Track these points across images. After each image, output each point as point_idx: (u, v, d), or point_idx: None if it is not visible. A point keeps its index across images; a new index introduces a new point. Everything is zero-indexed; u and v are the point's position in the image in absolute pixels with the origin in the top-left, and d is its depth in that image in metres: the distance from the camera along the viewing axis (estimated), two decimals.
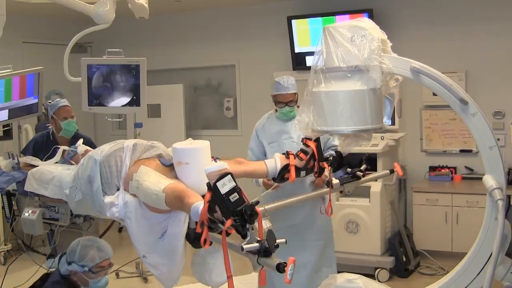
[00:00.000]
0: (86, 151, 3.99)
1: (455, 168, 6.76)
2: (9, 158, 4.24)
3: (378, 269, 5.94)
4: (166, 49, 8.59)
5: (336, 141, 4.32)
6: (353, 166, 3.86)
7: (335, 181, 3.62)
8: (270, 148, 4.10)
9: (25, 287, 4.92)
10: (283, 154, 3.47)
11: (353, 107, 2.95)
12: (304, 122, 3.12)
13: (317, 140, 3.42)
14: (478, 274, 3.04)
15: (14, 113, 4.65)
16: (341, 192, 3.75)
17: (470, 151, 6.66)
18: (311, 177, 3.94)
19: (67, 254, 3.39)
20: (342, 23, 3.08)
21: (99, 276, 3.37)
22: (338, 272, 5.34)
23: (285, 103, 4.37)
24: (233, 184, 2.42)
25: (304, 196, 3.78)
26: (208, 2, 7.77)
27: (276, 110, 4.46)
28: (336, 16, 7.00)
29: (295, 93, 4.44)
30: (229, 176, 2.42)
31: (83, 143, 4.29)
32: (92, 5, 4.60)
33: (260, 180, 4.16)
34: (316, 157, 3.44)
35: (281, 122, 4.26)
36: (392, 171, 4.04)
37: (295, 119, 3.23)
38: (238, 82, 8.30)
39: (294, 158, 3.43)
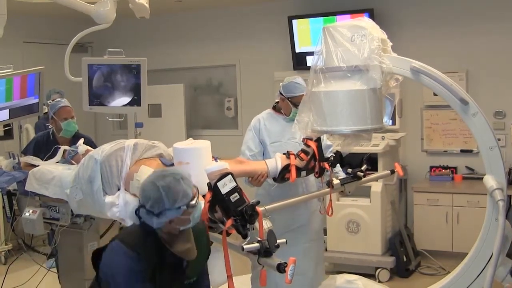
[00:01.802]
0: (87, 151, 4.00)
1: (455, 168, 6.75)
2: (10, 157, 4.25)
3: (379, 269, 5.93)
4: (167, 49, 8.59)
5: (328, 141, 4.31)
6: (353, 166, 3.86)
7: (335, 181, 3.62)
8: (272, 148, 4.09)
9: (26, 287, 4.94)
10: (284, 154, 3.47)
11: (353, 107, 2.95)
12: (303, 122, 3.12)
13: (318, 140, 3.42)
14: (478, 275, 3.04)
15: (15, 112, 4.66)
16: (341, 192, 3.75)
17: (470, 151, 6.65)
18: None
19: (148, 207, 2.43)
20: (342, 22, 3.08)
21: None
22: (338, 272, 5.36)
23: None
24: (233, 184, 2.42)
25: (305, 196, 3.78)
26: (209, 1, 7.76)
27: (276, 110, 4.41)
28: (337, 16, 6.99)
29: None
30: (230, 176, 2.42)
31: (83, 143, 4.30)
32: (93, 5, 4.60)
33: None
34: (317, 157, 3.44)
35: (284, 122, 4.26)
36: (392, 171, 4.04)
37: (295, 119, 3.22)
38: (239, 82, 8.30)
39: (295, 158, 3.43)
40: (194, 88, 8.78)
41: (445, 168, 6.75)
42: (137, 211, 2.42)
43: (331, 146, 4.33)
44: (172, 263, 2.44)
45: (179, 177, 2.40)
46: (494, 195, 2.93)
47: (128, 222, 3.25)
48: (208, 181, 2.57)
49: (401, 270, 6.02)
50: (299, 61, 7.41)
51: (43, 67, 4.78)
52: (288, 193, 3.75)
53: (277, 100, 4.39)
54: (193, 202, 2.38)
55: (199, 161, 3.03)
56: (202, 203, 2.52)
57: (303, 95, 4.22)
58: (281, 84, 4.30)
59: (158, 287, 2.38)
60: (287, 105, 4.20)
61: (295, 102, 4.14)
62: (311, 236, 4.31)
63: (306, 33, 7.35)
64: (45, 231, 4.15)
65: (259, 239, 2.43)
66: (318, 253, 4.46)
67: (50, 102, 5.79)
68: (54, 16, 8.06)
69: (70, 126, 4.71)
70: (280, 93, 4.27)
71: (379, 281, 5.80)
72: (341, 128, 3.01)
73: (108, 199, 3.29)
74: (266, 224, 2.62)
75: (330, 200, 3.60)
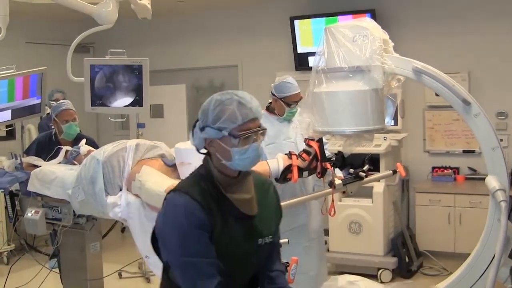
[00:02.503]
0: (89, 152, 4.00)
1: (458, 168, 6.75)
2: (12, 158, 4.26)
3: (381, 270, 5.93)
4: (169, 49, 8.59)
5: (324, 139, 4.31)
6: (355, 167, 3.85)
7: (337, 181, 3.62)
8: (268, 150, 4.09)
9: (28, 287, 4.95)
10: (286, 154, 3.47)
11: (354, 107, 2.95)
12: (305, 123, 3.12)
13: (320, 141, 3.42)
14: (481, 276, 3.04)
15: (17, 113, 4.66)
16: (343, 192, 3.74)
17: (473, 151, 6.64)
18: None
19: (201, 119, 2.26)
20: (344, 23, 3.08)
21: (245, 144, 2.15)
22: (340, 273, 5.36)
23: (296, 102, 4.32)
24: None
25: (307, 196, 3.78)
26: (211, 2, 7.77)
27: (269, 111, 4.39)
28: (339, 16, 6.99)
29: None
30: None
31: (85, 144, 4.31)
32: (95, 6, 4.61)
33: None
34: (319, 158, 3.44)
35: (278, 123, 4.25)
36: (394, 172, 4.03)
37: (297, 119, 3.22)
38: (241, 83, 8.30)
39: (297, 158, 3.43)
40: (196, 89, 8.78)
41: (447, 168, 6.75)
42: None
43: (325, 144, 4.32)
44: (239, 217, 2.18)
45: (236, 98, 2.20)
46: (496, 196, 2.93)
47: (130, 223, 3.26)
48: None
49: (403, 271, 6.01)
50: (301, 62, 7.42)
51: (45, 67, 4.78)
52: (287, 193, 3.74)
53: (270, 101, 4.38)
54: (240, 133, 2.12)
55: (201, 162, 3.03)
56: (260, 146, 2.20)
57: (295, 94, 4.25)
58: (272, 84, 4.30)
59: (226, 244, 2.12)
60: (281, 105, 4.20)
61: (288, 101, 4.15)
62: (311, 235, 4.31)
63: (308, 34, 7.35)
64: (47, 232, 4.16)
65: None
66: (320, 252, 4.47)
67: (52, 102, 5.81)
68: (56, 17, 8.07)
69: (71, 129, 4.70)
70: (272, 93, 4.27)
71: (381, 282, 5.79)
72: (343, 129, 3.01)
73: (110, 199, 3.30)
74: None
75: (333, 200, 3.59)
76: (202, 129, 2.21)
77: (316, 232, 4.40)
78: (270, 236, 2.25)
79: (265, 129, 2.20)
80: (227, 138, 2.14)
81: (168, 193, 2.20)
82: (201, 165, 2.26)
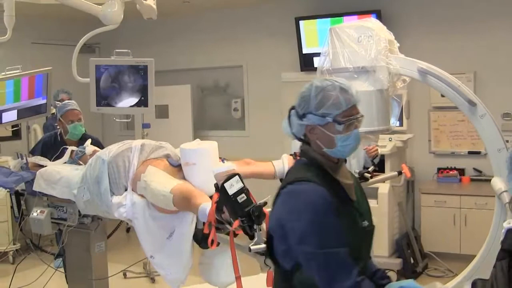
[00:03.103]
0: (94, 152, 4.01)
1: (463, 169, 6.73)
2: (18, 158, 4.27)
3: (386, 271, 5.91)
4: (174, 50, 8.60)
5: None
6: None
7: None
8: None
9: (33, 286, 4.96)
10: (291, 155, 3.47)
11: (359, 108, 2.94)
12: None
13: None
14: None
15: (23, 113, 4.68)
16: None
17: (478, 152, 6.63)
18: None
19: (296, 107, 2.21)
20: (349, 23, 3.08)
21: (349, 130, 2.14)
22: None
23: None
24: (240, 185, 2.41)
25: None
26: (216, 3, 7.77)
27: None
28: (344, 17, 6.97)
29: None
30: (237, 177, 2.42)
31: (91, 144, 4.31)
32: (100, 6, 4.61)
33: None
34: None
35: None
36: (400, 173, 4.04)
37: None
38: (246, 83, 8.30)
39: None
40: (201, 89, 8.79)
41: (453, 169, 6.74)
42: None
43: None
44: (346, 201, 2.15)
45: (338, 84, 2.14)
46: (502, 197, 2.93)
47: (135, 223, 3.26)
48: (215, 181, 2.57)
49: (408, 272, 6.00)
50: (306, 62, 7.41)
51: (50, 68, 4.80)
52: None
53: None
54: (344, 119, 2.10)
55: (206, 162, 3.04)
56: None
57: None
58: None
59: (344, 229, 2.06)
60: None
61: None
62: None
63: (313, 34, 7.35)
64: (53, 231, 4.16)
65: (266, 240, 2.43)
66: None
67: (57, 102, 5.81)
68: (62, 17, 8.09)
69: (77, 129, 4.71)
70: None
71: None
72: None
73: (115, 199, 3.30)
74: None
75: None
76: (302, 116, 2.16)
77: None
78: (370, 221, 2.27)
79: (363, 116, 2.17)
80: (331, 124, 2.11)
81: (282, 188, 2.15)
82: (298, 157, 2.26)
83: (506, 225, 2.04)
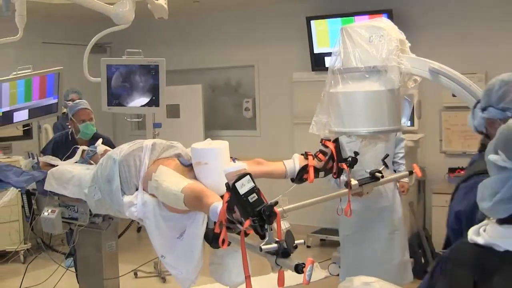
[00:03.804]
0: (105, 151, 4.02)
1: None
2: (29, 157, 4.28)
3: None
4: (185, 49, 8.61)
5: (401, 135, 4.89)
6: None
7: (353, 182, 3.61)
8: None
9: (44, 286, 4.98)
10: (302, 154, 3.47)
11: (370, 108, 2.94)
12: (321, 123, 3.11)
13: (336, 141, 3.41)
14: None
15: (34, 113, 4.69)
16: (359, 193, 3.74)
17: None
18: None
19: (484, 98, 2.16)
20: (360, 23, 3.08)
21: None
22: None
23: None
24: (252, 184, 2.41)
25: (323, 197, 3.77)
26: (227, 2, 7.78)
27: None
28: (355, 17, 6.96)
29: None
30: (248, 176, 2.42)
31: (102, 143, 4.32)
32: (112, 6, 4.62)
33: (338, 180, 3.99)
34: (335, 158, 3.43)
35: None
36: (411, 172, 4.02)
37: (313, 119, 3.20)
38: (257, 83, 8.30)
39: (313, 158, 3.42)
40: (212, 89, 8.80)
41: (464, 169, 6.69)
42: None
43: (403, 140, 5.07)
44: None
45: None
46: None
47: (146, 223, 3.26)
48: (226, 181, 2.57)
49: (419, 272, 5.96)
50: (317, 62, 7.40)
51: (62, 67, 4.81)
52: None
53: None
54: None
55: (217, 162, 3.04)
56: None
57: None
58: None
59: None
60: None
61: None
62: (395, 223, 4.84)
63: (325, 34, 7.34)
64: (64, 231, 4.19)
65: (277, 239, 2.43)
66: (403, 242, 5.00)
67: (68, 102, 5.83)
68: (73, 17, 8.12)
69: (88, 129, 4.72)
70: None
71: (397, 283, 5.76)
72: (359, 129, 2.99)
73: (126, 199, 3.31)
74: (284, 225, 2.62)
75: (349, 201, 3.58)
76: (484, 109, 2.15)
77: (399, 221, 4.85)
78: None
79: None
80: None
81: (463, 182, 2.17)
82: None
83: None
